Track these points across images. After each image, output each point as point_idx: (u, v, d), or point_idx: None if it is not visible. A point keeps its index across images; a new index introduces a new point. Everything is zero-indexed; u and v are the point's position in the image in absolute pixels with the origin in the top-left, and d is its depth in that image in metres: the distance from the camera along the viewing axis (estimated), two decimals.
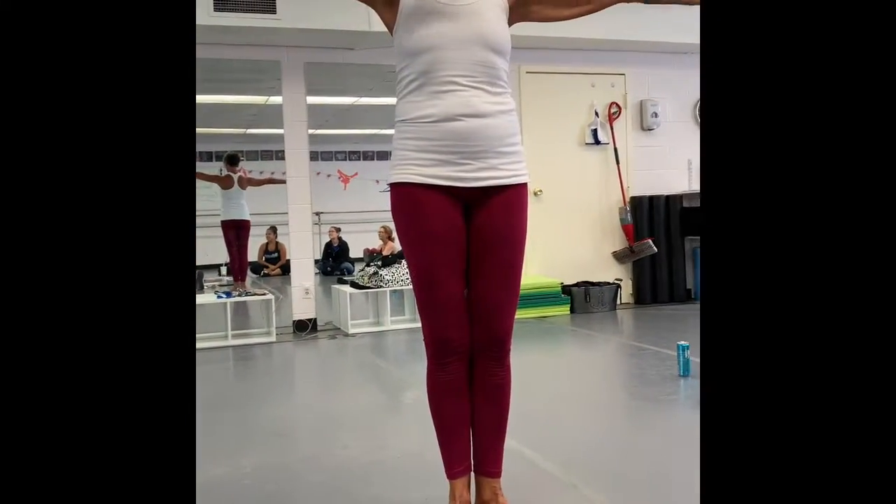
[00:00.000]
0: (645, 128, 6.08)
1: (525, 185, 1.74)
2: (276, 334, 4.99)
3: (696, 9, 1.46)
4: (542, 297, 5.53)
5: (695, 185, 6.20)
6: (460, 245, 1.70)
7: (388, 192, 1.73)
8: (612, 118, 5.97)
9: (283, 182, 5.23)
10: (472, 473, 1.82)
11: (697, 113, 6.23)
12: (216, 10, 4.50)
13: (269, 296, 5.09)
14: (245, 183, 5.53)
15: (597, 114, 5.92)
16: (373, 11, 1.74)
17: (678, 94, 6.17)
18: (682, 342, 3.46)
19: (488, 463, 1.80)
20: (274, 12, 4.67)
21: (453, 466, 1.78)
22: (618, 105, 5.99)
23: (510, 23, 1.73)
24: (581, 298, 5.63)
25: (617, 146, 5.96)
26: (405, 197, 1.69)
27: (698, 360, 3.59)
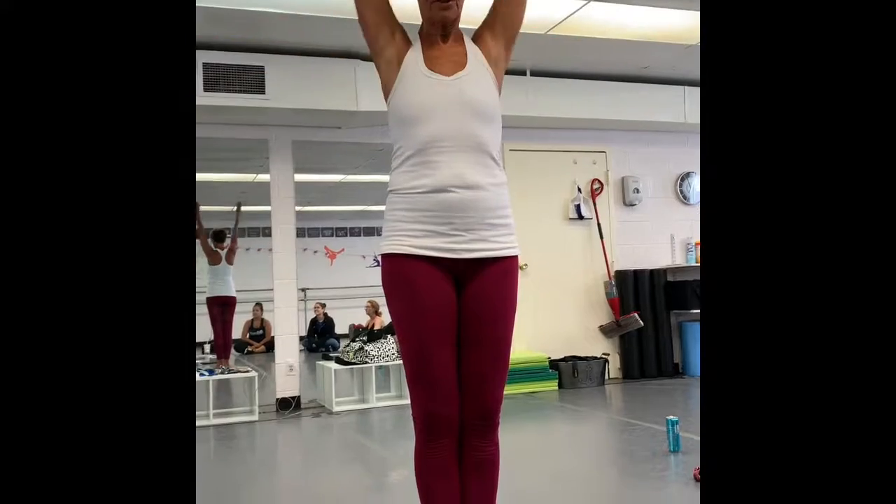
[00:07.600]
0: (627, 203, 6.18)
1: (516, 257, 1.74)
2: (259, 412, 4.89)
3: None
4: (529, 372, 5.48)
5: (678, 260, 6.27)
6: (452, 317, 1.69)
7: (375, 268, 1.73)
8: (594, 194, 6.08)
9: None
10: None
11: (678, 188, 6.36)
12: (206, 90, 4.60)
13: (253, 373, 5.00)
14: (232, 258, 5.55)
15: (579, 189, 6.02)
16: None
17: (659, 170, 6.32)
18: (671, 416, 3.42)
19: None
20: (263, 92, 4.77)
21: None
22: (600, 181, 6.11)
23: (502, 62, 1.76)
24: (569, 373, 5.58)
25: (600, 221, 6.04)
26: (397, 268, 1.68)
27: (688, 435, 3.54)
